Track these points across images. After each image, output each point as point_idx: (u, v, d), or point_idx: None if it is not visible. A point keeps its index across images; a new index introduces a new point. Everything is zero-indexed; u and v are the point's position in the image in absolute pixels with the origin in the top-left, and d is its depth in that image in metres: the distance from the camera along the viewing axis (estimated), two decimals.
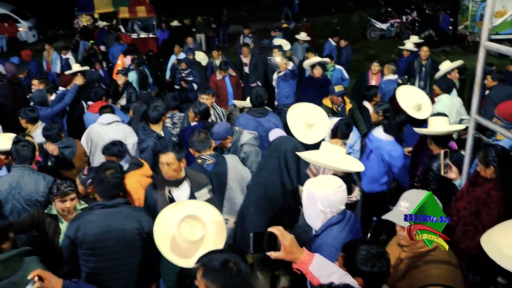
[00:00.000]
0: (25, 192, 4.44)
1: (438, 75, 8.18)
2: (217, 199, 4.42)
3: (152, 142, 5.64)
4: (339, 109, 6.96)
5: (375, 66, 9.36)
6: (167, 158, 3.99)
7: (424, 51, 9.31)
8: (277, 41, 12.34)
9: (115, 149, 4.80)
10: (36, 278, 2.44)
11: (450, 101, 6.76)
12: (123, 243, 3.54)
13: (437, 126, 5.03)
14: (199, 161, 4.68)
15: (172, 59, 11.69)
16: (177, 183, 4.09)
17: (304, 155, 3.97)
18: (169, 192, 4.10)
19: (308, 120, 5.32)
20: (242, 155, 5.18)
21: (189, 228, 3.07)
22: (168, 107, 6.48)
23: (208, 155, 4.70)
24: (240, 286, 2.33)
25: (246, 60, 10.98)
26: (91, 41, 15.22)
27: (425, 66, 9.18)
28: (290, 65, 9.12)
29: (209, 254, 2.41)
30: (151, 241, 3.36)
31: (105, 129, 5.95)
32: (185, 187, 4.14)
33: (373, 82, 9.18)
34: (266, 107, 6.37)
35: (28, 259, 3.00)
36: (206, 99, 6.70)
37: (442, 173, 4.45)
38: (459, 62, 8.25)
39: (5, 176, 4.64)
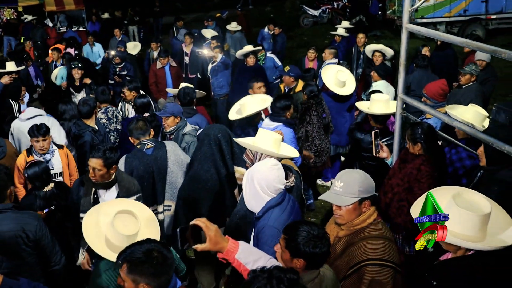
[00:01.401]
0: None
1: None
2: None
3: (89, 136, 5.57)
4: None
5: (312, 53, 9.50)
6: (95, 163, 3.85)
7: (360, 37, 9.47)
8: (205, 32, 12.22)
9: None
10: None
11: (386, 88, 6.95)
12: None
13: (378, 108, 5.14)
14: (139, 146, 4.64)
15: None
16: (105, 186, 3.99)
17: (240, 140, 4.00)
18: (95, 193, 4.00)
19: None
20: (183, 145, 5.15)
21: (123, 223, 2.99)
22: (98, 100, 6.38)
23: (148, 140, 4.67)
24: (168, 272, 2.36)
25: (187, 49, 10.85)
26: (23, 38, 14.47)
27: (362, 53, 9.37)
28: (219, 57, 9.09)
29: (128, 248, 2.39)
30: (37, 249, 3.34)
31: (26, 123, 5.70)
32: (113, 190, 4.04)
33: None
34: (195, 108, 6.32)
35: None
36: (127, 93, 6.69)
37: (374, 154, 4.61)
38: (381, 46, 8.54)
39: None
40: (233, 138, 4.21)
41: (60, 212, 4.32)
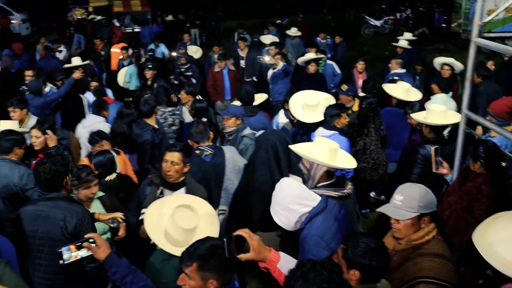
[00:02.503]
0: (1, 183, 4.46)
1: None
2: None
3: (150, 135, 5.72)
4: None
5: (361, 65, 9.29)
6: (173, 157, 3.86)
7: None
8: (264, 38, 12.20)
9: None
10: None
11: (445, 102, 6.76)
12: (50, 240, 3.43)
13: (435, 118, 5.00)
14: (197, 152, 4.66)
15: None
16: (173, 186, 3.97)
17: (296, 149, 3.89)
18: (161, 193, 3.97)
19: (308, 102, 5.63)
20: (241, 147, 5.20)
21: (182, 217, 3.03)
22: (157, 101, 6.56)
23: (206, 146, 4.72)
24: (232, 268, 2.43)
25: (243, 53, 10.98)
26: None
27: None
28: (280, 65, 9.08)
29: (191, 247, 2.43)
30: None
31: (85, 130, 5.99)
32: (180, 192, 3.99)
33: (359, 81, 9.08)
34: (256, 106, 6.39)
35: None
36: (183, 96, 6.80)
37: (433, 170, 4.49)
38: (450, 59, 8.31)
39: None
40: (290, 146, 4.14)
41: (117, 204, 4.40)
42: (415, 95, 6.69)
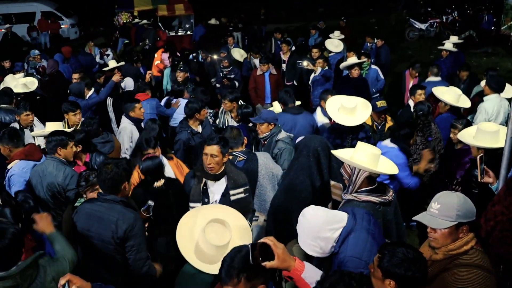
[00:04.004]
0: (46, 181, 4.67)
1: None
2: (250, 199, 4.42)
3: (185, 136, 5.83)
4: (379, 127, 6.57)
5: (416, 70, 9.19)
6: (211, 150, 4.01)
7: (462, 75, 8.96)
8: (329, 42, 11.64)
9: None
10: (63, 282, 2.46)
11: (499, 102, 6.55)
12: (100, 240, 3.50)
13: (486, 141, 4.63)
14: (230, 157, 4.69)
15: None
16: (215, 177, 4.11)
17: (338, 154, 3.87)
18: (205, 184, 4.13)
19: (346, 104, 5.49)
20: (275, 151, 5.22)
21: (214, 233, 3.01)
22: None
23: (240, 152, 4.75)
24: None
25: (285, 57, 10.97)
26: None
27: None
28: (318, 70, 9.04)
29: (227, 261, 2.38)
30: (126, 243, 3.41)
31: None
32: (222, 183, 4.16)
33: (410, 84, 9.08)
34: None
35: (43, 262, 2.98)
36: (227, 104, 6.80)
37: (479, 179, 4.34)
38: None
39: (38, 164, 4.88)
40: (331, 151, 4.12)
41: (164, 210, 4.35)
42: (466, 102, 6.46)
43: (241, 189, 4.17)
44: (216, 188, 4.15)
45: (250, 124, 6.09)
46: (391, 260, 2.43)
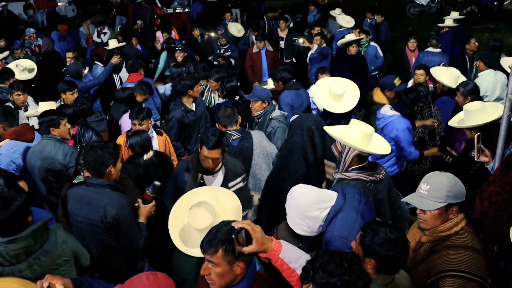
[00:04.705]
0: (46, 161, 4.63)
1: None
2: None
3: (179, 114, 5.75)
4: None
5: (412, 43, 9.14)
6: (213, 154, 3.76)
7: (472, 43, 8.67)
8: (340, 18, 11.35)
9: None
10: (45, 285, 2.36)
11: (494, 76, 6.48)
12: (89, 225, 3.50)
13: (474, 118, 4.53)
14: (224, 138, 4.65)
15: None
16: (212, 172, 3.95)
17: (331, 131, 3.76)
18: (202, 178, 3.96)
19: (333, 90, 5.17)
20: (269, 129, 5.16)
21: (197, 216, 2.97)
22: (199, 77, 6.69)
23: (234, 130, 4.68)
24: None
25: (283, 34, 10.80)
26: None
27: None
28: (315, 47, 8.93)
29: (211, 232, 2.35)
30: (116, 228, 3.40)
31: None
32: (219, 175, 4.01)
33: (413, 59, 9.02)
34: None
35: (53, 226, 3.10)
36: (213, 84, 6.66)
37: (475, 158, 4.29)
38: None
39: (35, 145, 4.82)
40: (324, 127, 4.01)
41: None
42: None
43: (239, 179, 4.06)
44: (214, 181, 4.02)
45: (237, 97, 6.02)
46: (373, 239, 2.41)
